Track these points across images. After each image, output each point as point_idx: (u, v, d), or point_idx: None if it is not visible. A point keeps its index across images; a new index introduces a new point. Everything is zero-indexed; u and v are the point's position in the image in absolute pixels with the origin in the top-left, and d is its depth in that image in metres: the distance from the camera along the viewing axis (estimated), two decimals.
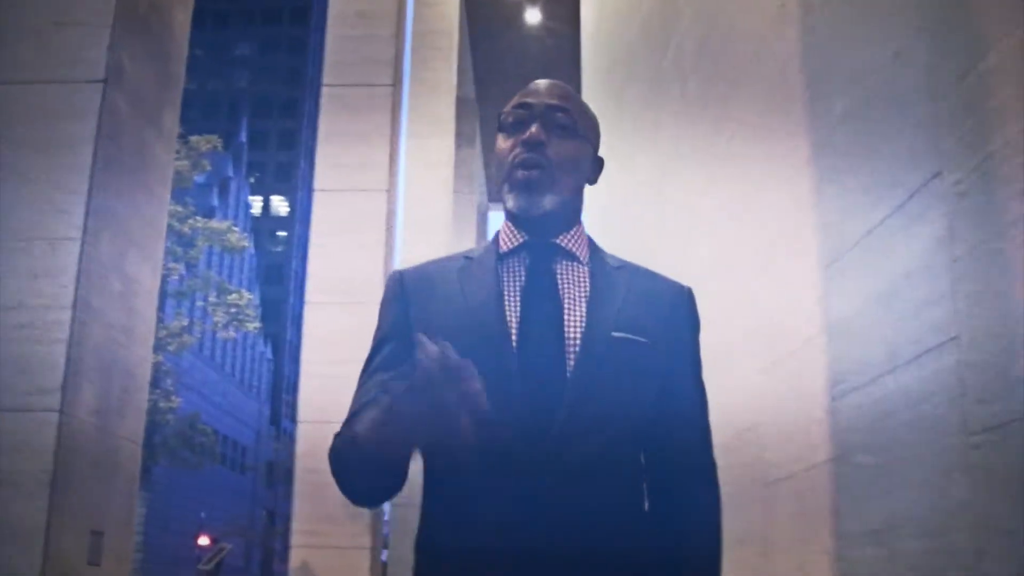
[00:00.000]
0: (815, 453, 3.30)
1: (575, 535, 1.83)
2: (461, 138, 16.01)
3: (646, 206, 6.86)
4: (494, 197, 23.51)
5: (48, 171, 2.69)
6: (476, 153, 19.54)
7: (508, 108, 2.08)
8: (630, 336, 1.95)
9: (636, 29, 7.48)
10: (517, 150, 2.01)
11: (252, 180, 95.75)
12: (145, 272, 3.01)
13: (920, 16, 2.68)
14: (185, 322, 27.28)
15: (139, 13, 2.95)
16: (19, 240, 2.64)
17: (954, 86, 2.49)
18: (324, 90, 8.41)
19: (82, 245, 2.64)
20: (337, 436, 1.92)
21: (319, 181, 8.14)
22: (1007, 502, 2.22)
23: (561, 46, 15.93)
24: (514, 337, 1.91)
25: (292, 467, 8.02)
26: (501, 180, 2.04)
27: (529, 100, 2.06)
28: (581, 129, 2.07)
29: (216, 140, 29.51)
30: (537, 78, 2.19)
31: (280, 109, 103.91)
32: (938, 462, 2.50)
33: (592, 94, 11.12)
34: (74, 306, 2.60)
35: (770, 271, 3.89)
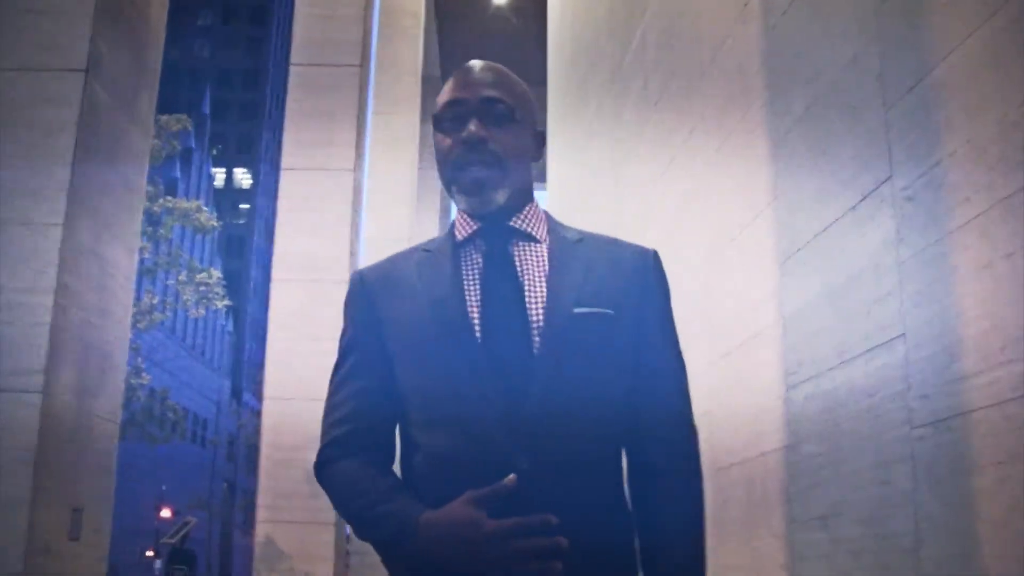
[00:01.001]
0: (767, 441, 3.43)
1: (555, 527, 1.75)
2: (426, 114, 16.06)
3: (604, 191, 6.96)
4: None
5: (28, 158, 2.76)
6: None
7: (441, 105, 2.02)
8: (594, 310, 1.91)
9: (601, 17, 7.56)
10: (458, 149, 1.95)
11: (215, 152, 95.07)
12: (121, 255, 3.09)
13: (876, 25, 2.80)
14: (155, 300, 27.29)
15: (117, 2, 3.02)
16: None
17: (904, 95, 2.61)
18: (292, 69, 8.46)
19: (63, 231, 2.72)
20: (323, 465, 1.95)
21: (286, 160, 8.19)
22: (945, 493, 2.35)
23: (527, 27, 15.98)
24: (477, 327, 1.88)
25: (256, 442, 8.08)
26: (447, 181, 1.99)
27: (461, 95, 1.99)
28: (519, 113, 2.01)
29: (186, 120, 29.35)
30: (502, 58, 2.17)
31: (243, 80, 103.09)
32: (882, 453, 2.63)
33: (556, 77, 11.20)
34: (55, 291, 2.68)
35: (724, 263, 4.00)
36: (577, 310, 1.89)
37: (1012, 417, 2.11)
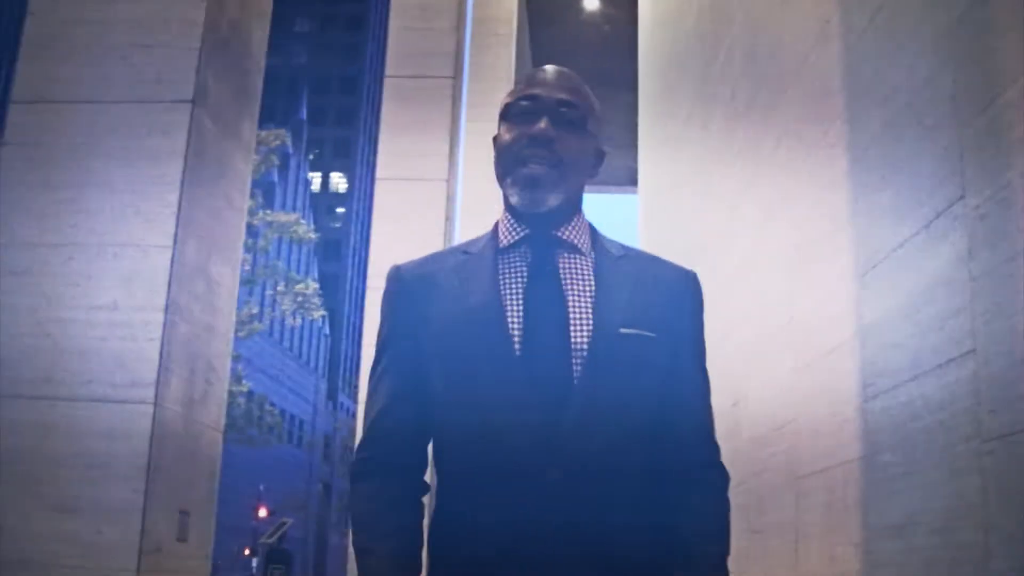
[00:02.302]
0: (845, 451, 3.50)
1: (585, 537, 1.82)
2: None
3: (692, 198, 7.04)
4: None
5: (136, 183, 2.95)
6: None
7: (513, 97, 2.03)
8: (639, 332, 1.92)
9: (689, 27, 7.65)
10: (523, 143, 1.94)
11: (311, 157, 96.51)
12: (225, 273, 3.28)
13: (949, 47, 2.86)
14: (255, 310, 28.04)
15: (222, 34, 3.20)
16: (112, 246, 2.91)
17: (977, 116, 2.67)
18: (386, 81, 8.67)
19: (173, 252, 2.91)
20: (355, 478, 1.98)
21: (381, 170, 8.41)
22: (1014, 506, 2.42)
23: (618, 34, 16.05)
24: (517, 342, 1.88)
25: (351, 444, 8.29)
26: (503, 172, 1.99)
27: (537, 92, 1.99)
28: (589, 124, 2.02)
29: (284, 135, 30.13)
30: (594, 64, 2.23)
31: (339, 85, 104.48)
32: (954, 465, 2.70)
33: (647, 83, 11.29)
34: (166, 308, 2.87)
35: (806, 274, 4.07)
36: (623, 330, 1.90)
37: None
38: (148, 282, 2.88)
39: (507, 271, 1.97)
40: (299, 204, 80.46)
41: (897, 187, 3.18)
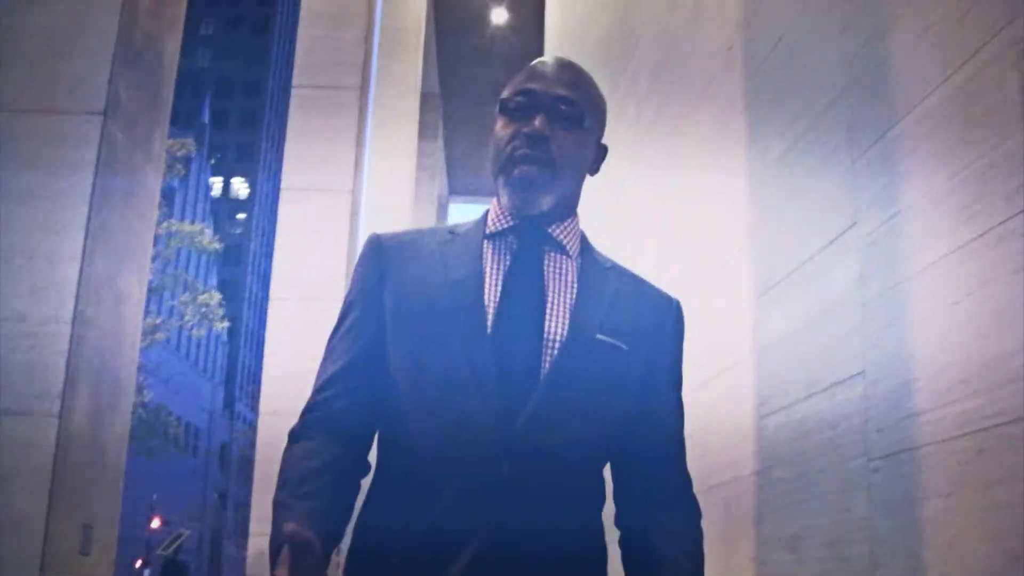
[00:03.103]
0: (742, 465, 3.61)
1: (525, 533, 1.75)
2: (424, 130, 16.24)
3: (600, 213, 7.15)
4: (455, 189, 23.76)
5: (48, 194, 2.94)
6: (439, 146, 19.78)
7: (511, 91, 1.95)
8: (612, 341, 1.88)
9: (597, 43, 7.76)
10: (517, 142, 1.88)
11: (213, 161, 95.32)
12: (133, 285, 3.27)
13: (846, 78, 2.99)
14: (158, 320, 27.74)
15: (135, 45, 3.20)
16: (22, 257, 2.90)
17: (871, 146, 2.80)
18: (294, 91, 8.65)
19: (81, 263, 2.90)
20: (292, 438, 1.86)
21: (286, 180, 8.39)
22: (899, 522, 2.53)
23: (526, 45, 16.18)
24: (490, 320, 1.83)
25: (249, 453, 8.25)
26: (496, 169, 1.93)
27: (534, 87, 1.92)
28: (587, 121, 1.95)
29: (190, 144, 29.89)
30: (500, 76, 2.15)
31: (243, 89, 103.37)
32: (843, 482, 2.81)
33: None
34: (73, 320, 2.86)
35: (710, 293, 4.19)
36: (599, 336, 1.86)
37: (957, 452, 2.29)
38: (56, 293, 2.87)
39: (491, 254, 1.93)
40: (200, 209, 79.39)
41: (795, 211, 3.30)
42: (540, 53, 14.22)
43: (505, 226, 1.95)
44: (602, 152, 2.07)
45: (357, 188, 8.40)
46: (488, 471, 1.74)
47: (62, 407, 2.82)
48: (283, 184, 8.39)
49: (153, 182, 3.37)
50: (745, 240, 3.76)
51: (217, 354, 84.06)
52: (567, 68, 1.99)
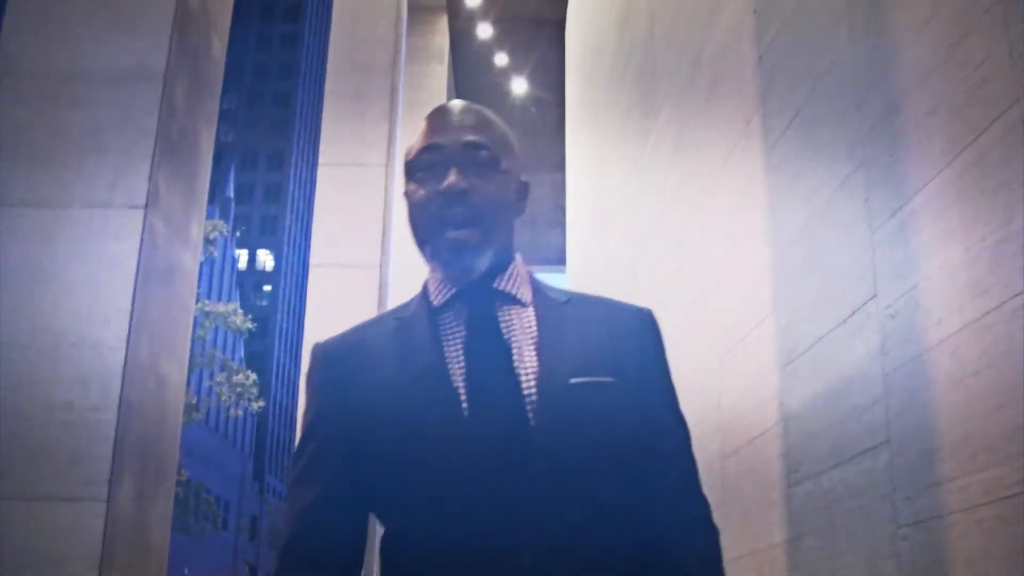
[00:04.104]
0: (772, 533, 3.65)
1: None
2: None
3: (623, 281, 7.24)
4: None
5: (93, 285, 3.06)
6: None
7: (415, 151, 1.80)
8: (591, 379, 1.72)
9: (618, 114, 7.89)
10: (436, 203, 1.72)
11: (238, 233, 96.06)
12: (174, 369, 3.37)
13: (862, 153, 3.07)
14: (193, 399, 27.98)
15: (172, 139, 3.33)
16: (68, 346, 3.01)
17: (888, 220, 2.88)
18: (320, 168, 8.82)
19: (125, 352, 3.01)
20: (280, 569, 1.74)
21: (314, 256, 8.52)
22: None
23: (546, 116, 16.40)
24: (464, 401, 1.68)
25: (274, 522, 8.27)
26: (421, 239, 1.77)
27: (440, 140, 1.77)
28: (504, 162, 1.80)
29: (223, 226, 30.33)
30: (522, 146, 1.87)
31: (266, 162, 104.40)
32: (873, 549, 2.86)
33: (575, 165, 11.56)
34: (119, 407, 2.96)
35: (735, 363, 4.25)
36: (573, 380, 1.70)
37: (982, 520, 2.34)
38: (102, 381, 2.97)
39: (444, 331, 1.77)
40: (226, 281, 79.88)
41: (816, 283, 3.38)
42: (561, 124, 14.42)
43: (450, 295, 1.79)
44: (524, 189, 1.88)
45: (384, 262, 8.53)
46: (507, 562, 1.60)
47: (109, 492, 2.90)
48: (312, 260, 8.53)
49: (191, 268, 3.48)
50: (769, 310, 3.83)
51: (246, 425, 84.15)
52: (468, 111, 1.84)
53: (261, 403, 30.87)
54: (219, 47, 3.86)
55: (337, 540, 1.75)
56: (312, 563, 1.73)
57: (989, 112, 2.37)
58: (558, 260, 18.61)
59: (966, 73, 2.48)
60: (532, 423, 1.66)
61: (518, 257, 1.87)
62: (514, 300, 1.80)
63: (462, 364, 1.72)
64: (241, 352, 70.60)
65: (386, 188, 8.69)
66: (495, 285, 1.79)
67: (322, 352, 1.84)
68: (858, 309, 3.02)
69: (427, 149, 1.77)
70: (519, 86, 16.45)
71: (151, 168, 3.13)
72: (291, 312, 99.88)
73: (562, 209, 12.79)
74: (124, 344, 2.99)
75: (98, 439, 2.91)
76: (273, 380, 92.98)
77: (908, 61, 2.81)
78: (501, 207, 1.78)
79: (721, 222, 4.62)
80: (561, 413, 1.68)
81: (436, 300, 1.81)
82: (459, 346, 1.74)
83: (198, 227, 3.57)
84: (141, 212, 3.09)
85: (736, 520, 4.08)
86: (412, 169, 1.80)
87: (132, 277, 3.05)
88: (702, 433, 4.64)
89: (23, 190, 3.11)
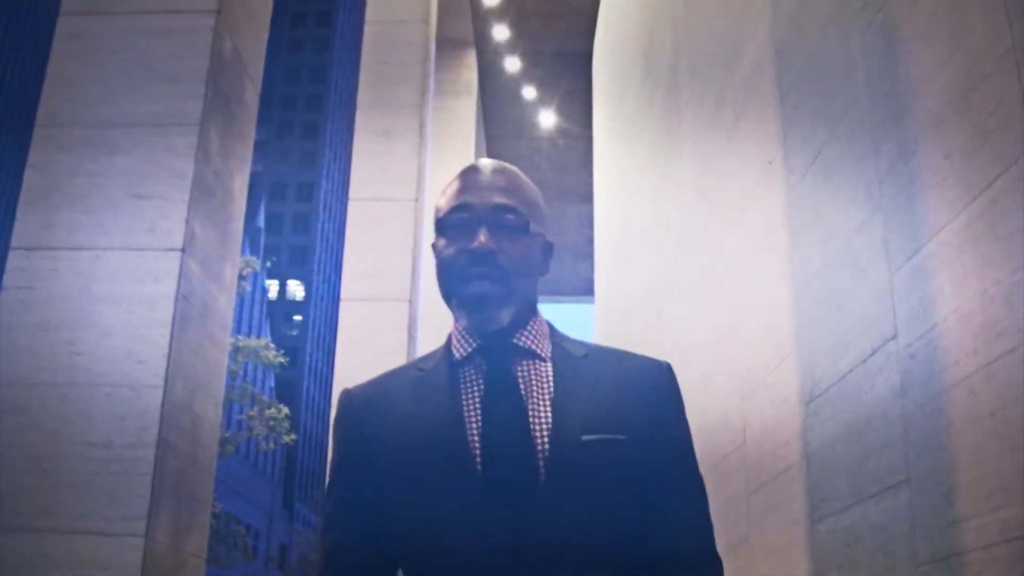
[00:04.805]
0: (796, 570, 3.69)
1: None
2: None
3: (647, 316, 7.30)
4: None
5: (129, 326, 3.15)
6: None
7: (446, 207, 1.85)
8: (604, 436, 1.73)
9: (643, 147, 7.97)
10: (464, 260, 1.78)
11: (268, 264, 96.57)
12: (209, 408, 3.46)
13: (879, 195, 3.13)
14: (227, 433, 28.22)
15: (207, 184, 3.43)
16: (108, 386, 3.10)
17: (906, 261, 2.93)
18: (350, 203, 8.93)
19: (164, 392, 3.10)
20: None
21: (345, 290, 8.62)
22: None
23: (573, 148, 16.50)
24: (478, 456, 1.71)
25: (311, 556, 8.31)
26: (447, 292, 1.82)
27: (471, 200, 1.82)
28: (532, 225, 1.85)
29: (255, 262, 30.68)
30: (549, 177, 1.88)
31: (296, 192, 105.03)
32: None
33: (602, 195, 11.63)
34: (156, 445, 3.05)
35: (755, 398, 4.30)
36: (585, 437, 1.72)
37: (999, 559, 2.39)
38: (139, 421, 3.06)
39: (463, 385, 1.81)
40: (256, 312, 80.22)
41: (836, 322, 3.43)
42: (588, 156, 14.50)
43: (471, 349, 1.83)
44: (549, 250, 1.93)
45: (414, 296, 8.62)
46: None
47: (147, 528, 2.98)
48: (343, 294, 8.63)
49: (225, 309, 3.58)
50: (790, 348, 3.88)
51: (276, 454, 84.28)
52: (500, 172, 1.89)
53: (293, 436, 31.00)
54: (252, 92, 3.97)
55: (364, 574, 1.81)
56: None
57: (1002, 158, 2.43)
58: (586, 291, 18.67)
59: (979, 119, 2.54)
60: (543, 479, 1.69)
61: (539, 313, 1.92)
62: (533, 355, 1.84)
63: (479, 419, 1.75)
64: (272, 382, 70.86)
65: (415, 223, 8.79)
66: (515, 340, 1.83)
67: (348, 399, 1.89)
68: (878, 349, 3.08)
69: (458, 208, 1.83)
70: (547, 119, 16.56)
71: (187, 212, 3.23)
72: (320, 342, 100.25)
73: (589, 240, 12.87)
74: (162, 384, 3.08)
75: (136, 476, 3.00)
76: (303, 410, 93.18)
77: (923, 106, 2.87)
78: (526, 268, 1.83)
79: (743, 260, 4.68)
80: (572, 470, 1.70)
81: (458, 354, 1.85)
82: (477, 401, 1.78)
83: (232, 268, 3.66)
84: (178, 255, 3.19)
85: (759, 555, 4.13)
86: (442, 226, 1.85)
87: (169, 318, 3.14)
88: (727, 469, 4.70)
89: (64, 233, 3.21)
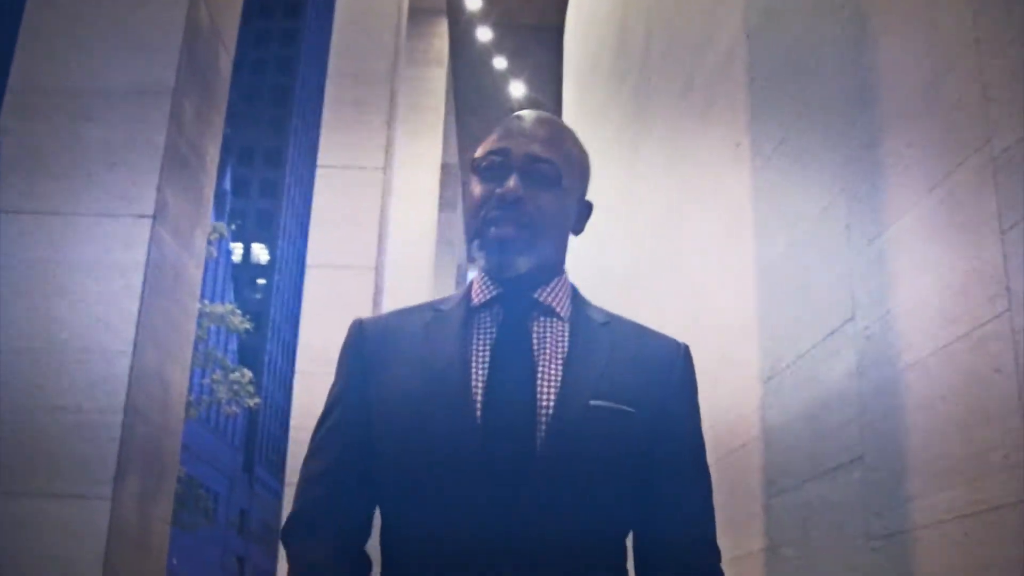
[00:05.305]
0: (751, 542, 3.78)
1: None
2: (442, 202, 16.52)
3: (618, 294, 7.36)
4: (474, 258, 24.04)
5: (99, 293, 3.17)
6: (457, 217, 20.08)
7: (484, 151, 1.83)
8: (612, 404, 1.70)
9: (613, 126, 8.01)
10: (491, 203, 1.76)
11: (233, 227, 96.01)
12: (177, 374, 3.49)
13: (843, 180, 3.20)
14: (191, 398, 28.08)
15: (180, 152, 3.45)
16: (78, 351, 3.12)
17: (867, 246, 3.00)
18: (318, 170, 8.91)
19: (132, 357, 3.13)
20: (290, 537, 1.78)
21: (311, 257, 8.62)
22: None
23: None
24: (479, 406, 1.68)
25: (269, 520, 8.33)
26: (472, 233, 1.80)
27: (508, 145, 1.80)
28: (566, 179, 1.81)
29: (223, 228, 30.49)
30: None
31: (264, 157, 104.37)
32: (846, 561, 2.99)
33: None
34: (125, 411, 3.07)
35: (719, 377, 4.38)
36: (594, 402, 1.69)
37: (947, 536, 2.47)
38: (110, 386, 3.08)
39: (476, 330, 1.79)
40: (220, 275, 79.84)
41: (798, 302, 3.50)
42: None
43: (490, 296, 1.81)
44: (586, 209, 1.92)
45: (380, 265, 8.63)
46: (493, 570, 1.61)
47: (114, 492, 3.01)
48: (309, 261, 8.62)
49: (195, 277, 3.60)
50: (754, 327, 3.95)
51: (237, 419, 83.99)
52: (543, 124, 1.85)
53: (257, 400, 30.95)
54: (226, 61, 3.98)
55: (343, 511, 1.76)
56: (313, 530, 1.75)
57: (962, 150, 2.50)
58: None
59: (943, 112, 2.61)
60: (543, 437, 1.65)
61: (566, 273, 1.89)
62: (552, 312, 1.81)
63: (485, 366, 1.73)
64: (234, 346, 70.61)
65: (383, 192, 8.79)
66: (535, 295, 1.81)
67: (359, 328, 1.86)
68: (837, 330, 3.15)
69: (494, 152, 1.80)
70: (517, 90, 16.56)
71: (159, 180, 3.25)
72: (284, 307, 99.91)
73: None
74: (131, 350, 3.11)
75: (105, 440, 3.03)
76: (265, 374, 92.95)
77: (890, 95, 2.94)
78: (553, 220, 1.80)
79: (711, 241, 4.74)
80: (574, 432, 1.66)
81: (476, 299, 1.82)
82: (486, 348, 1.75)
83: (202, 237, 3.69)
84: (149, 222, 3.21)
85: (718, 529, 4.21)
86: (476, 167, 1.83)
87: (139, 285, 3.17)
88: None
89: (37, 199, 3.22)
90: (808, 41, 3.60)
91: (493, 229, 1.75)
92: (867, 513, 2.88)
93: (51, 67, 3.37)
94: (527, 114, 1.87)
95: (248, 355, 78.50)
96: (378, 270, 8.51)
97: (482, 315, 1.80)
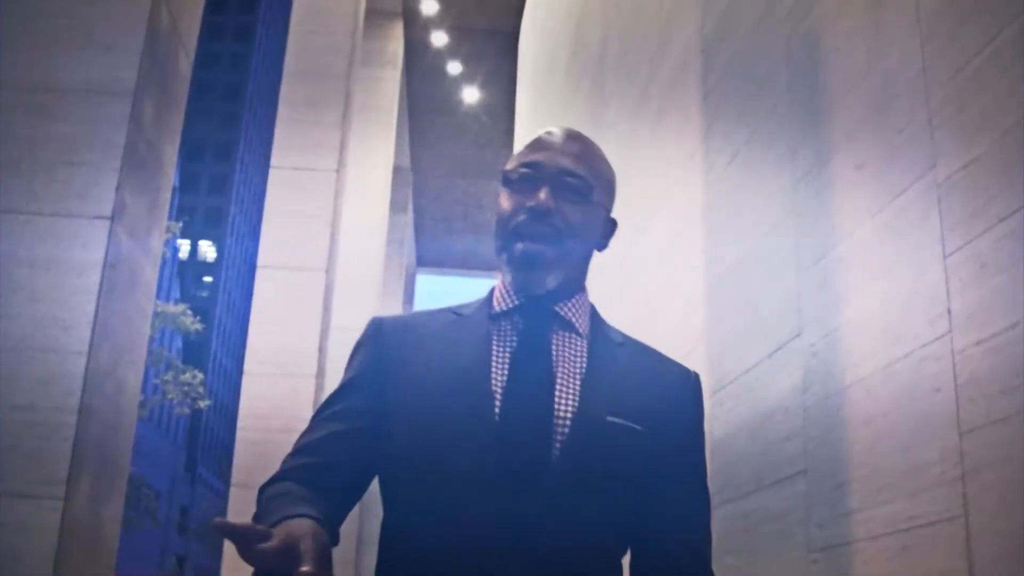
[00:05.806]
0: None
1: None
2: (393, 204, 16.54)
3: None
4: (423, 261, 24.07)
5: (57, 292, 3.17)
6: (408, 219, 20.09)
7: (514, 163, 1.86)
8: (626, 422, 1.73)
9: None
10: (521, 216, 1.78)
11: (181, 224, 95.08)
12: (130, 375, 3.49)
13: (793, 199, 3.27)
14: (141, 397, 27.86)
15: (139, 153, 3.45)
16: (32, 351, 3.12)
17: (814, 264, 3.08)
18: (271, 171, 8.92)
19: (87, 358, 3.13)
20: (264, 485, 1.74)
21: (262, 257, 8.62)
22: None
23: (496, 124, 16.58)
24: (497, 408, 1.70)
25: (206, 516, 8.32)
26: (499, 245, 1.82)
27: (539, 158, 1.82)
28: (595, 194, 1.83)
29: (176, 227, 30.29)
30: (471, 151, 1.85)
31: (214, 152, 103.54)
32: (787, 571, 3.06)
33: None
34: (79, 410, 3.08)
35: None
36: (610, 418, 1.72)
37: (885, 549, 2.54)
38: (64, 386, 3.09)
39: (497, 337, 1.80)
40: (167, 272, 79.10)
41: (745, 317, 3.57)
42: (510, 131, 14.57)
43: (511, 306, 1.84)
44: (611, 226, 1.94)
45: (331, 267, 8.65)
46: (497, 569, 1.61)
47: (67, 491, 3.02)
48: (259, 262, 8.63)
49: (151, 277, 3.61)
50: (701, 338, 4.02)
51: (181, 418, 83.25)
52: (575, 140, 1.88)
53: (208, 402, 30.79)
54: (186, 63, 3.99)
55: (322, 482, 1.72)
56: (304, 474, 1.73)
57: (908, 174, 2.57)
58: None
59: (890, 135, 2.69)
60: (558, 448, 1.68)
61: (586, 291, 1.92)
62: (571, 327, 1.84)
63: (505, 372, 1.74)
64: (179, 343, 69.98)
65: (336, 193, 8.81)
66: (556, 308, 1.83)
67: (378, 325, 1.89)
68: (783, 346, 3.22)
69: (526, 165, 1.83)
70: (471, 95, 16.61)
71: (118, 180, 3.26)
72: (231, 306, 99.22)
73: None
74: (87, 350, 3.11)
75: (59, 441, 3.03)
76: (210, 373, 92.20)
77: (839, 116, 3.01)
78: (581, 235, 1.82)
79: (661, 249, 4.81)
80: (588, 446, 1.69)
81: (497, 307, 1.85)
82: (507, 355, 1.77)
83: (158, 238, 3.69)
84: (107, 223, 3.22)
85: None
86: (507, 180, 1.85)
87: (96, 286, 3.17)
88: None
89: None
90: (761, 57, 3.67)
91: (520, 245, 1.77)
92: (809, 525, 2.95)
93: (11, 64, 3.37)
94: (559, 129, 1.90)
95: (193, 353, 77.78)
96: (329, 272, 8.53)
97: (502, 323, 1.83)
